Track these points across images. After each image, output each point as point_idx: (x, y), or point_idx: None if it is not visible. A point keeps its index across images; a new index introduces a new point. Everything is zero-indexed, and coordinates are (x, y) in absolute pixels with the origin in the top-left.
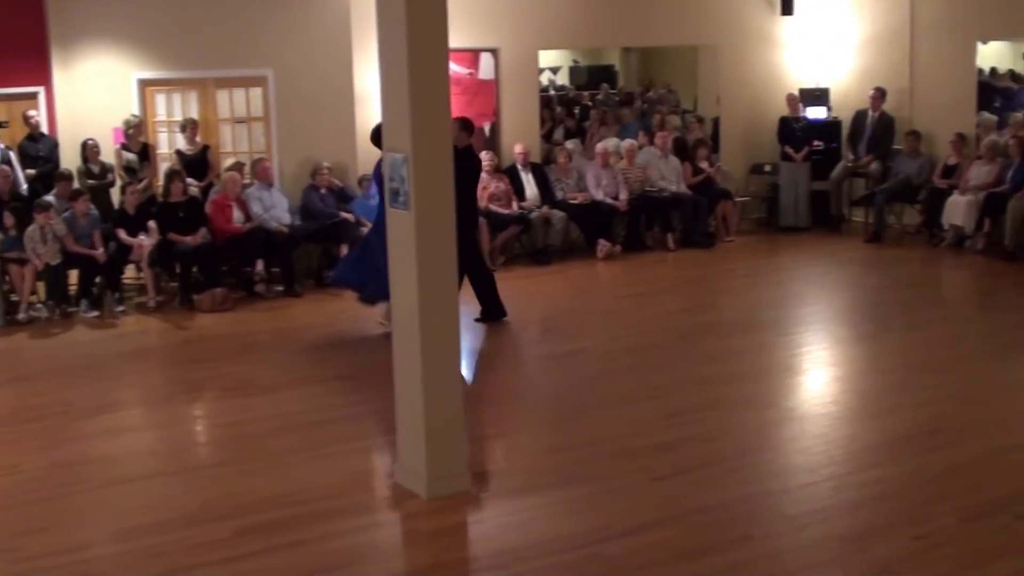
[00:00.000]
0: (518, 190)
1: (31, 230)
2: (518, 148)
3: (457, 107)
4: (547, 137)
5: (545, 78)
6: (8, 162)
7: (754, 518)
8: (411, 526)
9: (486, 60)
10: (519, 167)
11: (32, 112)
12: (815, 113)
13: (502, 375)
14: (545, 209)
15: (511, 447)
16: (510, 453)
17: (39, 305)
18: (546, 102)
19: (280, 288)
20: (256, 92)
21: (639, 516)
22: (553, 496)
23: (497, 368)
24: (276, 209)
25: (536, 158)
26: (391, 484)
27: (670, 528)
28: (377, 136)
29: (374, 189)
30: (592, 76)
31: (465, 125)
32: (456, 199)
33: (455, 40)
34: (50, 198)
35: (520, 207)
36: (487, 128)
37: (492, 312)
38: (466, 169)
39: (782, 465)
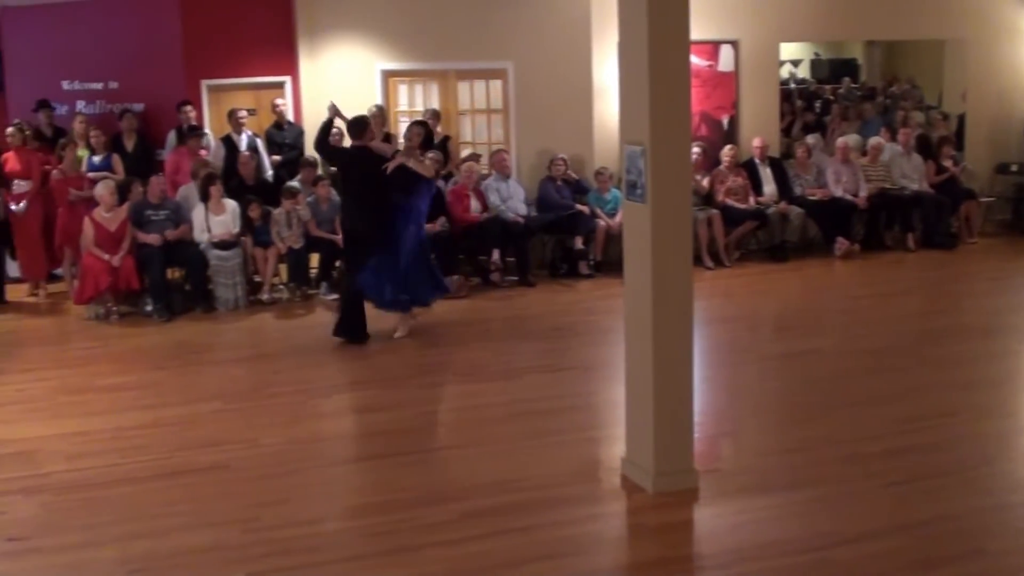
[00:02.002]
0: (756, 185)
1: (277, 214)
2: (756, 142)
3: (696, 99)
4: (786, 131)
5: (786, 71)
6: (255, 149)
7: (989, 531)
8: (636, 520)
9: (726, 52)
10: (757, 161)
11: (279, 100)
12: None
13: (733, 372)
14: (783, 205)
15: (739, 446)
16: (738, 452)
17: (281, 287)
18: (786, 96)
19: (514, 278)
20: (496, 84)
21: (869, 523)
22: (781, 497)
23: (728, 365)
24: (512, 200)
25: (775, 152)
26: (618, 476)
27: (901, 537)
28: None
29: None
30: (834, 70)
31: (350, 126)
32: (345, 198)
33: (695, 32)
34: (296, 184)
35: (757, 202)
36: (725, 121)
37: (350, 329)
38: (355, 167)
39: (1021, 477)
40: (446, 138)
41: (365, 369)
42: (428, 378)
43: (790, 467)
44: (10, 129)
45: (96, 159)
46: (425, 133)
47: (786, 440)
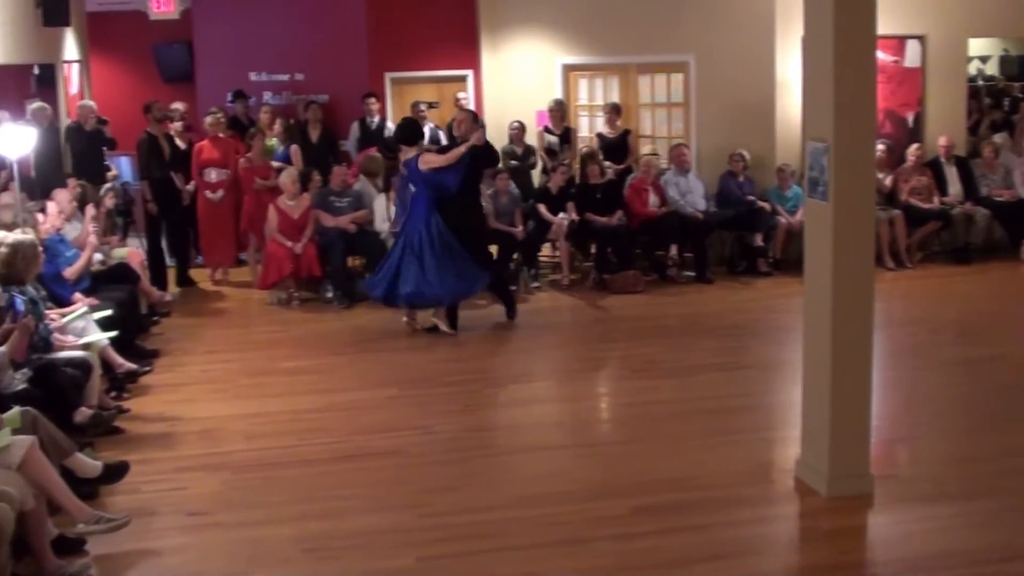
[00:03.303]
0: (940, 184)
1: None
2: (942, 141)
3: (880, 96)
4: (973, 130)
5: (973, 67)
6: (437, 141)
7: None
8: (809, 523)
9: (912, 47)
10: (942, 161)
11: (462, 94)
12: None
13: (912, 376)
14: (968, 205)
15: (916, 452)
16: (915, 458)
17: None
18: (973, 93)
19: (691, 273)
20: (677, 78)
21: None
22: (958, 507)
23: (907, 369)
24: (692, 195)
25: (961, 151)
26: (792, 478)
27: None
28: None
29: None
30: (1023, 66)
31: (476, 118)
32: (468, 195)
33: (881, 26)
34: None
35: (942, 202)
36: (910, 119)
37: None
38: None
39: None
40: (626, 132)
41: (539, 361)
42: (602, 372)
43: (968, 476)
44: (209, 118)
45: (280, 149)
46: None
47: (965, 448)
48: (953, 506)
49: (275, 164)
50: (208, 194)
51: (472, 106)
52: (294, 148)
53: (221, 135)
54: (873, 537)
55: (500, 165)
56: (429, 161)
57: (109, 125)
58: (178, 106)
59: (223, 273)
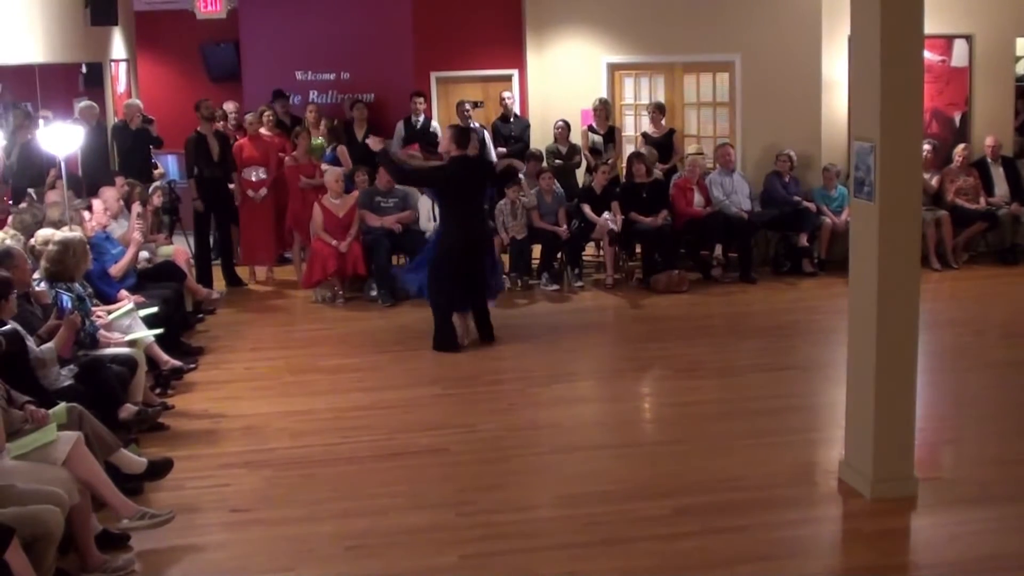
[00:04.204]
0: (987, 185)
1: (502, 204)
2: (989, 141)
3: (927, 95)
4: (1020, 130)
5: (1021, 67)
6: (482, 141)
7: None
8: (852, 525)
9: (959, 47)
10: (989, 161)
11: (507, 94)
12: None
13: (957, 378)
14: (1015, 206)
15: (961, 455)
16: (959, 461)
17: (503, 276)
18: (1020, 93)
19: (736, 273)
20: (723, 77)
21: None
22: (1003, 510)
23: (952, 371)
24: (736, 194)
25: (1008, 151)
26: (835, 480)
27: None
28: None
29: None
30: None
31: (456, 136)
32: (452, 212)
33: (927, 26)
34: (521, 175)
35: (988, 203)
36: (957, 119)
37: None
38: (460, 179)
39: None
40: (671, 131)
41: (583, 360)
42: (644, 372)
43: (1014, 479)
44: (248, 116)
45: (328, 150)
46: None
47: (1010, 451)
48: (998, 509)
49: (324, 167)
50: (250, 193)
51: (517, 105)
52: (341, 149)
53: (263, 132)
54: (917, 540)
55: (544, 164)
56: None
57: (155, 124)
58: (230, 106)
59: (268, 272)
